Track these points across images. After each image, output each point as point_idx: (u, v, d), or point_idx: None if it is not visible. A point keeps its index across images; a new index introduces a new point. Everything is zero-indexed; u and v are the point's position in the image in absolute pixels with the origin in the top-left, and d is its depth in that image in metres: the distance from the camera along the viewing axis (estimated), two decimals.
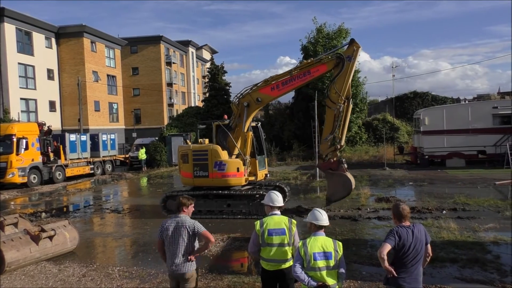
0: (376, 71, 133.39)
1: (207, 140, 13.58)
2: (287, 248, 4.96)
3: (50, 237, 9.01)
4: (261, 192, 12.43)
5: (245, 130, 12.96)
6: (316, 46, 31.88)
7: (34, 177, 23.51)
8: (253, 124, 13.84)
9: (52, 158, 24.89)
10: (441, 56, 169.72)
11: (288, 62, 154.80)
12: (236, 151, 13.01)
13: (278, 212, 5.17)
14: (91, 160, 28.37)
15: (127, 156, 34.02)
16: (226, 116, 14.07)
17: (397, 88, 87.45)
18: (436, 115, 24.47)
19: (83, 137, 28.32)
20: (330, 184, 12.90)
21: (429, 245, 4.57)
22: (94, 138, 29.49)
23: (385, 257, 4.27)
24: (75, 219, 13.67)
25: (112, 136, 31.33)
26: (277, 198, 5.20)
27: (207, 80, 41.90)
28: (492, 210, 12.29)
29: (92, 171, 28.31)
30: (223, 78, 39.61)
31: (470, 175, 20.33)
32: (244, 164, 12.70)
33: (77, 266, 8.66)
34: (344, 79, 12.24)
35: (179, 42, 61.18)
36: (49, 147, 25.00)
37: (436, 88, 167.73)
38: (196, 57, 68.95)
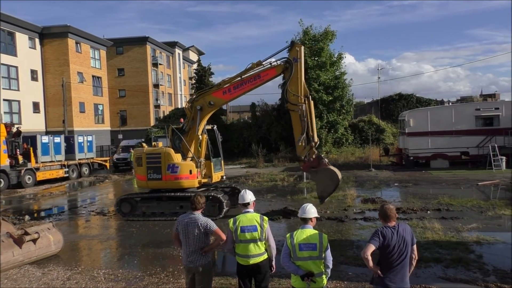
0: (360, 73, 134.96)
1: (160, 143, 13.74)
2: (259, 243, 5.22)
3: (34, 240, 8.87)
4: (212, 194, 12.62)
5: (199, 133, 13.22)
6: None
7: (0, 181, 22.01)
8: (209, 127, 14.13)
9: (21, 161, 23.38)
10: (423, 58, 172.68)
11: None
12: (190, 154, 13.21)
13: (250, 209, 5.44)
14: (66, 163, 26.80)
15: (106, 158, 32.57)
16: (182, 120, 14.25)
17: (382, 90, 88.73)
18: (420, 117, 24.82)
19: (57, 139, 26.67)
20: (317, 181, 12.98)
21: (415, 246, 4.63)
22: (69, 140, 28.09)
23: (369, 258, 4.32)
24: (60, 222, 13.48)
25: (89, 138, 29.90)
26: (246, 196, 5.48)
27: (194, 81, 41.73)
28: (475, 211, 12.50)
29: (67, 175, 26.85)
30: (210, 79, 39.52)
31: (454, 176, 20.66)
32: (197, 167, 12.94)
33: (61, 269, 8.54)
34: (297, 79, 12.67)
35: (166, 43, 60.86)
36: (18, 150, 23.63)
37: (419, 90, 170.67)
38: (183, 59, 68.66)
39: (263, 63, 13.07)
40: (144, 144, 14.79)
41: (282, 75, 13.21)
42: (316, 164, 12.64)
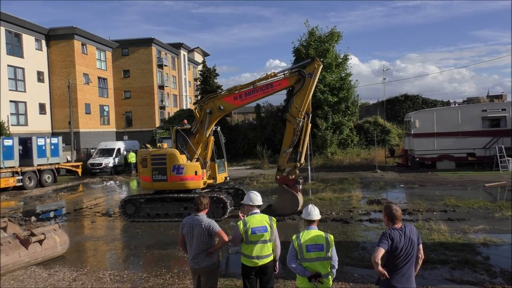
0: (365, 74, 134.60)
1: (165, 145, 13.80)
2: (269, 244, 5.25)
3: (40, 241, 8.91)
4: (216, 195, 12.68)
5: (206, 135, 13.34)
6: (308, 49, 32.04)
7: None
8: (213, 128, 14.15)
9: None
10: (428, 59, 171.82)
11: (277, 65, 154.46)
12: (196, 155, 13.31)
13: (258, 210, 5.44)
14: (19, 170, 22.98)
15: (77, 163, 29.50)
16: (185, 121, 14.36)
17: (386, 91, 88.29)
18: (426, 118, 24.70)
19: (8, 142, 22.78)
20: (280, 198, 13.17)
21: (420, 246, 4.61)
22: (26, 143, 24.28)
23: (379, 262, 4.30)
24: (66, 223, 13.54)
25: (54, 140, 26.18)
26: (256, 198, 5.48)
27: (199, 82, 41.82)
28: (481, 212, 12.42)
29: (21, 183, 23.08)
30: (215, 80, 39.62)
31: (460, 177, 20.53)
32: (202, 168, 13.02)
33: (67, 270, 8.58)
34: (304, 95, 12.61)
35: (171, 45, 61.00)
36: None
37: (424, 91, 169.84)
38: (188, 60, 68.82)
39: (277, 74, 13.14)
40: (149, 146, 14.84)
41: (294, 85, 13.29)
42: (291, 185, 12.82)
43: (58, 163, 26.39)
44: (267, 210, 12.97)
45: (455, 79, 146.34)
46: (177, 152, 12.96)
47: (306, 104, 12.68)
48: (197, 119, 13.47)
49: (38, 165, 24.57)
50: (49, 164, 25.46)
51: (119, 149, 32.67)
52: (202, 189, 13.33)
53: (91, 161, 31.39)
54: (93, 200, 18.98)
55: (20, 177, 23.13)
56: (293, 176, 12.90)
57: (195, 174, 12.83)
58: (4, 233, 8.85)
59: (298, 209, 12.76)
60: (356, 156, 31.40)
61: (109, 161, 31.23)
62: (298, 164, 12.85)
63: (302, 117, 12.63)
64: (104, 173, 30.31)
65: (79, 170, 28.98)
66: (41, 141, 25.01)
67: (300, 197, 12.95)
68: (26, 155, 24.08)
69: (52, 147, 25.81)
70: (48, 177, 25.20)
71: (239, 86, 13.35)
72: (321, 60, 32.69)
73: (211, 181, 13.62)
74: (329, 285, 4.71)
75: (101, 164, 30.74)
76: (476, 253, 8.49)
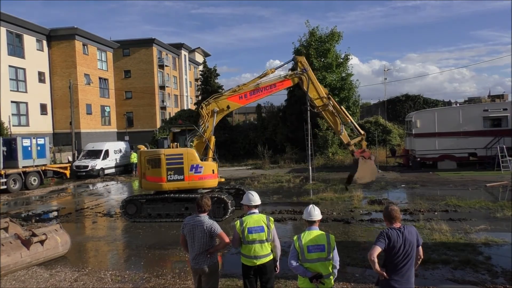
0: (365, 74, 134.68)
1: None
2: (266, 244, 5.25)
3: (41, 242, 8.92)
4: (217, 195, 12.82)
5: (210, 134, 13.78)
6: (309, 49, 32.02)
7: None
8: None
9: None
10: (428, 60, 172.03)
11: (277, 65, 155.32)
12: (210, 154, 13.74)
13: (256, 210, 5.45)
14: (3, 172, 22.01)
15: (65, 165, 28.19)
16: (181, 121, 14.70)
17: (386, 91, 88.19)
18: (427, 118, 24.67)
19: None
20: (360, 168, 14.62)
21: (420, 247, 4.61)
22: (10, 144, 23.10)
23: (376, 260, 4.31)
24: (67, 223, 13.54)
25: (40, 141, 24.84)
26: (254, 198, 5.49)
27: (199, 83, 41.84)
28: (483, 212, 12.40)
29: (5, 187, 22.04)
30: (216, 81, 39.63)
31: (462, 177, 20.50)
32: (218, 166, 13.62)
33: (68, 270, 8.59)
34: (314, 86, 14.76)
35: (172, 45, 61.01)
36: None
37: (424, 91, 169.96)
38: (189, 60, 68.82)
39: (275, 70, 15.06)
40: (143, 146, 14.59)
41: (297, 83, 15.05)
42: (368, 157, 14.63)
43: (44, 165, 25.20)
44: (348, 180, 15.31)
45: (455, 79, 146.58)
46: (195, 152, 13.12)
47: (321, 89, 14.82)
48: (204, 119, 13.66)
49: (23, 167, 23.42)
50: (35, 166, 24.33)
51: (107, 151, 30.69)
52: (204, 189, 13.37)
53: (76, 163, 29.44)
54: (94, 200, 18.99)
55: (4, 180, 22.15)
56: (367, 150, 14.89)
57: (212, 172, 13.15)
58: (6, 233, 8.86)
59: (375, 177, 15.19)
60: None
61: (96, 163, 29.13)
62: (363, 135, 15.02)
63: (327, 100, 14.71)
64: (91, 176, 28.45)
65: (67, 172, 27.55)
66: (26, 142, 23.77)
67: (375, 167, 14.88)
68: (10, 157, 23.02)
69: (38, 148, 24.54)
70: (34, 179, 24.11)
71: (243, 85, 13.85)
72: (322, 60, 32.79)
73: (223, 179, 14.09)
74: (330, 286, 4.70)
75: (87, 166, 28.69)
76: (477, 253, 8.48)
